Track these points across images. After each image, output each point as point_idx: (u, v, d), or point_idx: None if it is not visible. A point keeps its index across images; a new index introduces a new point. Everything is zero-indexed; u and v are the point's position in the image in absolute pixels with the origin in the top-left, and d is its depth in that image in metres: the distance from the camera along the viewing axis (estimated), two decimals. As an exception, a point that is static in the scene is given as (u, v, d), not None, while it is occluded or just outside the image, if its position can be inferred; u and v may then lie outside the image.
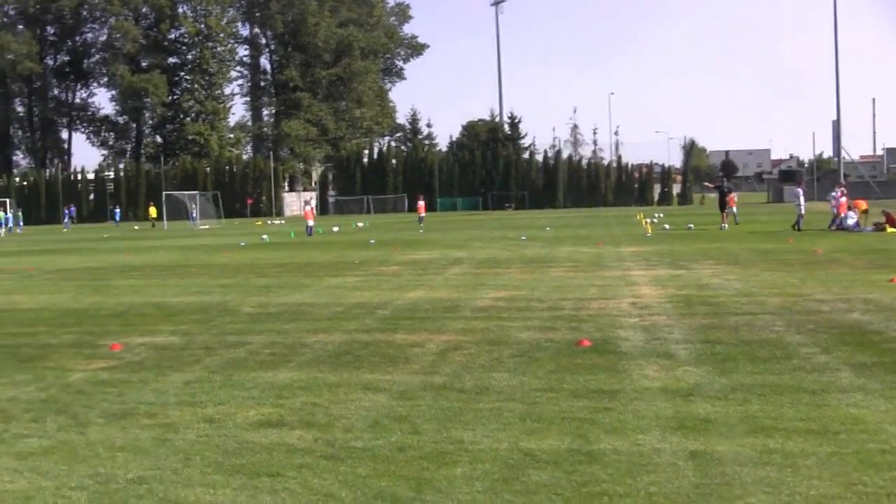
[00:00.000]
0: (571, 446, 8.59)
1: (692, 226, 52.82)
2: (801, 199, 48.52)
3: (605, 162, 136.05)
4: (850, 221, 45.29)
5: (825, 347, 13.34)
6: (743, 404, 10.03)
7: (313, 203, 56.93)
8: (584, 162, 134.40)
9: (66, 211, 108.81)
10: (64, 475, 8.18)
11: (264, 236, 56.87)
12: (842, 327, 15.15)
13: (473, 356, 13.34)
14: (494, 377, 11.75)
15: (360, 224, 76.29)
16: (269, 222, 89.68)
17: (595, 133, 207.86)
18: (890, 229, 43.10)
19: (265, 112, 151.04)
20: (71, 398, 11.32)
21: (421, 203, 71.57)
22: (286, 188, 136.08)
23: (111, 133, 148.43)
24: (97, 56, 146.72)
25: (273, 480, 7.83)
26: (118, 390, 11.68)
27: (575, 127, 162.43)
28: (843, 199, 46.85)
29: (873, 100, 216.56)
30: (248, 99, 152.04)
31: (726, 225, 50.51)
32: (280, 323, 17.57)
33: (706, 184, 60.05)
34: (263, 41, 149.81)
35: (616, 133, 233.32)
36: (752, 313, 16.99)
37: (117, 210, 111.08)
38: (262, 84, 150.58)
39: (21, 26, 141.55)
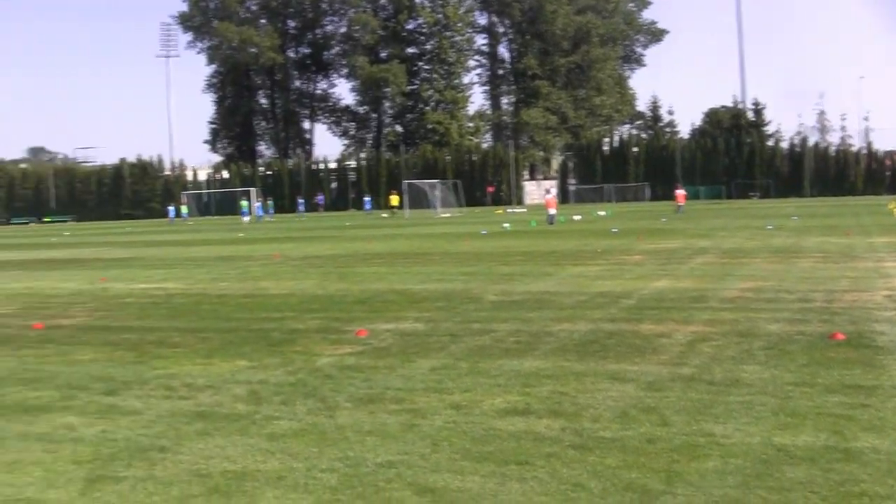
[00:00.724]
0: (827, 443, 8.28)
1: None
2: None
3: (855, 149, 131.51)
4: None
5: None
6: None
7: (554, 192, 56.24)
8: (832, 149, 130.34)
9: (301, 200, 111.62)
10: (314, 457, 8.32)
11: (505, 224, 57.11)
12: None
13: (722, 348, 13.05)
14: (745, 370, 11.45)
15: (602, 213, 75.89)
16: (510, 211, 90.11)
17: (843, 119, 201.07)
18: None
19: (504, 100, 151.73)
20: (319, 382, 11.55)
21: (680, 192, 70.01)
22: (526, 176, 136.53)
23: (352, 123, 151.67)
24: (337, 48, 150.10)
25: (521, 469, 7.79)
26: (365, 375, 11.86)
27: (822, 113, 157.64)
28: None
29: None
30: (486, 88, 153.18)
31: None
32: (524, 311, 17.54)
33: None
34: (501, 30, 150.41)
35: (866, 119, 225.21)
36: None
37: (368, 199, 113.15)
38: (501, 73, 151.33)
39: (263, 20, 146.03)
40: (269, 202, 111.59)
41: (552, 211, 58.09)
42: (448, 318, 16.96)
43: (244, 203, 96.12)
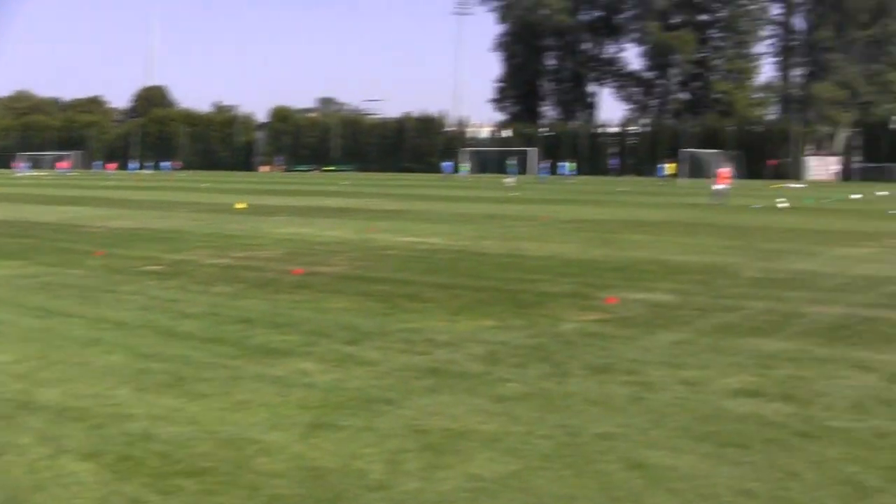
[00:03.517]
0: None
1: None
2: None
3: None
4: None
5: None
6: None
7: (727, 168, 51.17)
8: None
9: (541, 164, 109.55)
10: (535, 422, 8.37)
11: (781, 201, 55.73)
12: None
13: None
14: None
15: (883, 193, 73.10)
16: (787, 186, 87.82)
17: None
18: None
19: (794, 73, 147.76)
20: (557, 347, 11.59)
21: (725, 170, 63.14)
22: (810, 151, 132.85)
23: (637, 88, 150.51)
24: (629, 12, 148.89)
25: (739, 452, 7.65)
26: (604, 344, 11.83)
27: None
28: None
29: None
30: (777, 59, 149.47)
31: None
32: (780, 290, 17.11)
33: None
34: (797, 0, 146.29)
35: None
36: None
37: (661, 166, 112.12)
38: (793, 44, 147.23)
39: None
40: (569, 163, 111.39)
41: (720, 186, 51.74)
42: (701, 291, 16.73)
43: (510, 162, 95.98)
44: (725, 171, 53.14)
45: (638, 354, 11.24)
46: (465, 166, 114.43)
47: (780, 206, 49.60)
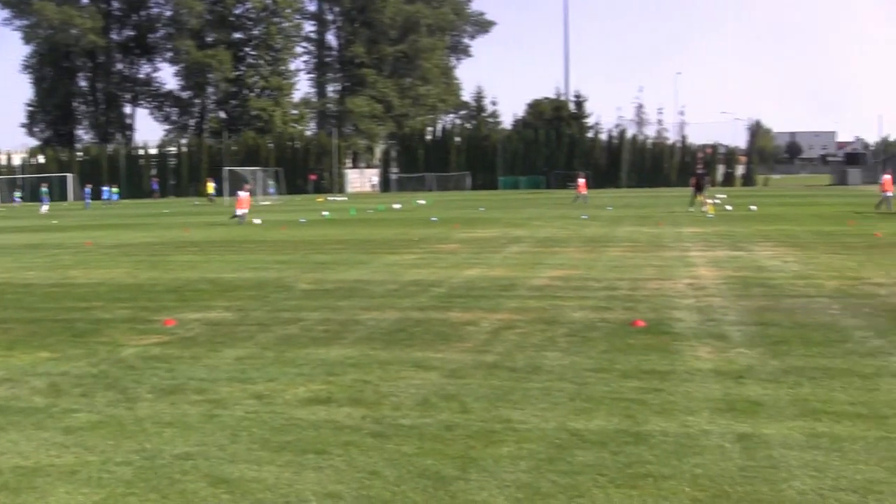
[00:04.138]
0: (619, 427, 8.57)
1: (754, 207, 52.12)
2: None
3: (670, 142, 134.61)
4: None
5: (880, 331, 13.23)
6: (794, 387, 9.96)
7: (246, 193, 49.29)
8: (649, 142, 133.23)
9: (85, 190, 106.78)
10: (110, 450, 8.24)
11: (325, 213, 56.94)
12: (899, 311, 15.01)
13: (526, 335, 13.32)
14: (546, 356, 11.73)
15: (421, 201, 76.24)
16: (330, 199, 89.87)
17: (660, 113, 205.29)
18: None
19: (330, 88, 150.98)
20: (122, 373, 11.41)
21: (581, 181, 67.76)
22: (349, 165, 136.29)
23: (174, 108, 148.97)
24: (162, 31, 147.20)
25: (319, 458, 7.85)
26: (169, 366, 11.76)
27: (640, 106, 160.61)
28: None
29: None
30: (313, 75, 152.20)
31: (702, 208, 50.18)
32: (335, 300, 17.60)
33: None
34: (330, 17, 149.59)
35: (681, 113, 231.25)
36: (809, 296, 16.87)
37: (87, 189, 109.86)
38: (328, 60, 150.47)
39: (86, 0, 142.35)
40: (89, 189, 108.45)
41: (241, 211, 49.58)
42: (258, 307, 16.93)
43: (44, 190, 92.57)
44: (245, 196, 51.22)
45: (205, 373, 11.24)
46: (19, 194, 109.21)
47: (325, 217, 50.66)
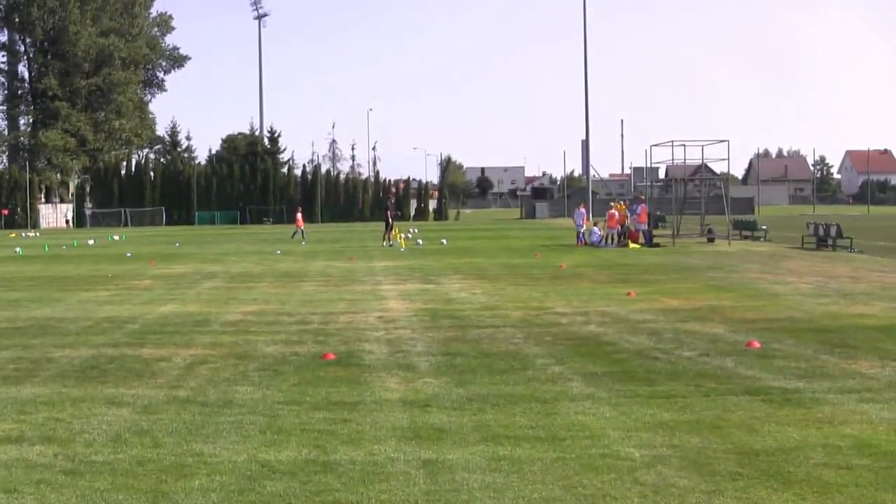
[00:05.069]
0: (309, 457, 8.84)
1: (445, 241, 53.43)
2: (582, 218, 50.16)
3: (363, 177, 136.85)
4: (595, 238, 47.05)
5: (560, 358, 13.99)
6: (477, 414, 10.46)
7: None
8: (343, 177, 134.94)
9: None
10: None
11: (17, 249, 55.16)
12: (578, 339, 15.92)
13: (219, 370, 13.48)
14: (238, 390, 11.92)
15: (116, 237, 74.76)
16: (24, 234, 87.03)
17: (353, 148, 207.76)
18: (632, 245, 44.89)
19: (22, 121, 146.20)
20: None
21: (299, 216, 66.32)
22: (42, 199, 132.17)
23: None
24: None
25: (9, 497, 7.83)
26: None
27: (333, 142, 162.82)
28: (583, 216, 49.28)
29: (622, 121, 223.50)
30: (4, 107, 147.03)
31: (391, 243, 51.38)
32: (27, 338, 17.27)
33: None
34: (21, 48, 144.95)
35: (374, 148, 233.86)
36: (495, 326, 17.65)
37: None
38: (20, 92, 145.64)
39: None
40: None
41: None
42: (-56, 346, 16.43)
43: None
44: None
45: None
46: None
47: (17, 253, 49.11)
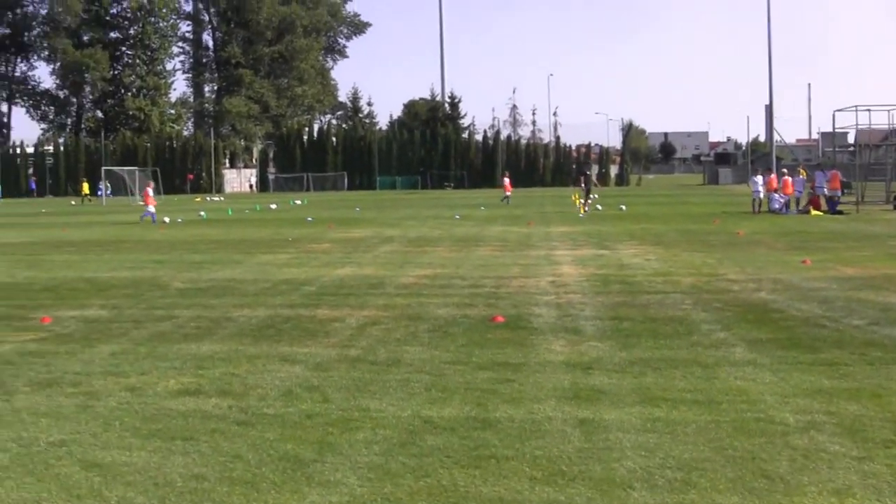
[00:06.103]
0: (469, 414, 9.16)
1: (624, 207, 53.17)
2: (760, 185, 48.83)
3: (544, 142, 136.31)
4: (776, 205, 46.15)
5: (726, 325, 14.00)
6: (638, 377, 10.63)
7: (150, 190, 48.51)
8: (523, 142, 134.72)
9: None
10: (-14, 438, 8.65)
11: (202, 213, 56.85)
12: (746, 306, 15.85)
13: (390, 330, 13.91)
14: (407, 350, 12.33)
15: (298, 202, 76.26)
16: (209, 199, 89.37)
17: (534, 114, 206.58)
18: (814, 212, 44.10)
19: (207, 88, 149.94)
20: (-1, 368, 11.76)
21: (507, 180, 68.37)
22: (227, 165, 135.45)
23: (51, 107, 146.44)
24: (38, 29, 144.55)
25: (186, 444, 8.33)
26: (45, 361, 12.10)
27: (514, 107, 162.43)
28: (761, 182, 47.84)
29: (808, 85, 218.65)
30: (189, 75, 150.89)
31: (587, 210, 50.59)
32: (208, 298, 18.02)
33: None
34: (206, 17, 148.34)
35: (555, 114, 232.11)
36: (665, 292, 17.69)
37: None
38: (205, 60, 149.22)
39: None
40: None
41: (152, 208, 48.52)
42: (133, 304, 17.27)
43: None
44: (151, 192, 50.77)
45: (80, 367, 11.63)
46: None
47: (202, 217, 50.58)
